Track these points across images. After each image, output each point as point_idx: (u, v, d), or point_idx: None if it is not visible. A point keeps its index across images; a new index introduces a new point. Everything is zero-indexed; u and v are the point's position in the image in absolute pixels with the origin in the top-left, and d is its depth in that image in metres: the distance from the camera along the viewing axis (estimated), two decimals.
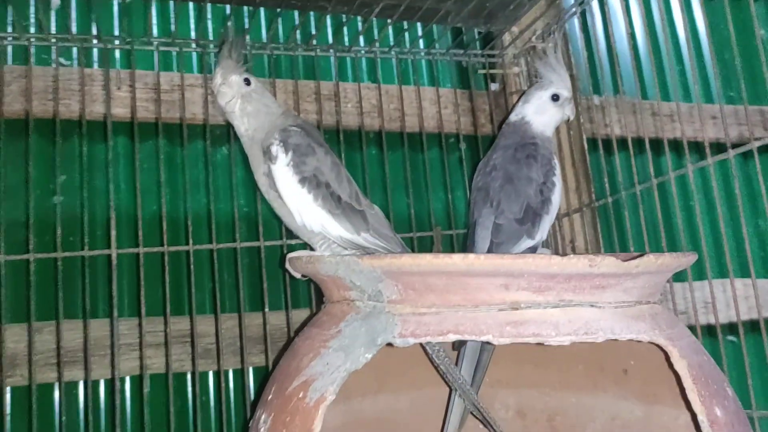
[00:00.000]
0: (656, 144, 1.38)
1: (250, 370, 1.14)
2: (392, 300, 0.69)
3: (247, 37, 1.16)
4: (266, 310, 1.07)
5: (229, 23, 1.06)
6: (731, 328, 1.42)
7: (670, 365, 0.69)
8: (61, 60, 1.15)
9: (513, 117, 1.08)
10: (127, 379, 1.10)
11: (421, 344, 0.86)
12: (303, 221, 0.92)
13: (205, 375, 1.14)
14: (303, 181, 0.91)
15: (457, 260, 0.64)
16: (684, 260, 0.73)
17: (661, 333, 0.69)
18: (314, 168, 0.92)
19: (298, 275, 0.92)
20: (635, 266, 0.66)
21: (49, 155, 1.13)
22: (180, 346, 1.12)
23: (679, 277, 1.07)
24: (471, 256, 0.64)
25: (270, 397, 0.74)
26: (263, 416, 0.73)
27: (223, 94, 0.93)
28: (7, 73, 1.10)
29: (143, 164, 1.16)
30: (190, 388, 1.13)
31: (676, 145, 1.48)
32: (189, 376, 1.13)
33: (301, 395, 0.68)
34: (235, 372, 1.16)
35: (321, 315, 0.79)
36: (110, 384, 1.09)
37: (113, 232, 0.99)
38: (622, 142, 1.26)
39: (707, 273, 0.97)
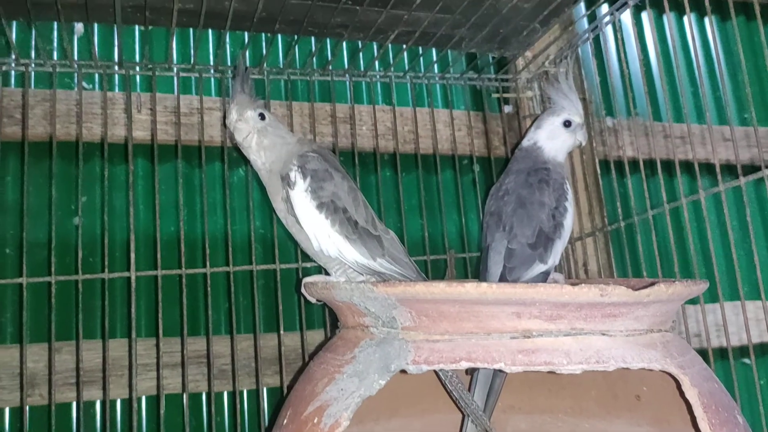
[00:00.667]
0: (668, 166, 1.39)
1: (265, 390, 1.16)
2: (406, 327, 0.70)
3: (264, 64, 1.19)
4: (281, 331, 1.09)
5: (240, 57, 1.06)
6: (743, 351, 1.41)
7: (682, 393, 0.70)
8: (83, 84, 1.18)
9: (525, 142, 1.09)
10: (143, 399, 1.12)
11: (435, 371, 0.87)
12: (320, 246, 0.92)
13: (220, 395, 1.16)
14: (321, 206, 0.92)
15: (469, 289, 0.65)
16: (695, 288, 0.73)
17: (672, 361, 0.70)
18: (331, 193, 0.93)
19: (313, 300, 0.93)
20: (646, 295, 0.67)
21: (71, 177, 1.15)
22: (195, 367, 1.13)
23: (691, 299, 1.07)
24: (483, 284, 0.66)
25: (285, 421, 0.75)
26: None
27: (240, 130, 0.94)
28: (31, 97, 1.12)
29: (162, 186, 1.18)
30: (205, 409, 1.14)
31: (688, 167, 1.49)
32: (204, 397, 1.14)
33: (315, 420, 0.69)
34: (249, 392, 1.17)
35: (336, 340, 0.80)
36: (126, 404, 1.10)
37: (132, 255, 1.01)
38: (634, 164, 1.27)
39: (719, 296, 0.98)
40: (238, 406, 1.13)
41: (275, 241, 1.11)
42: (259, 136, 0.94)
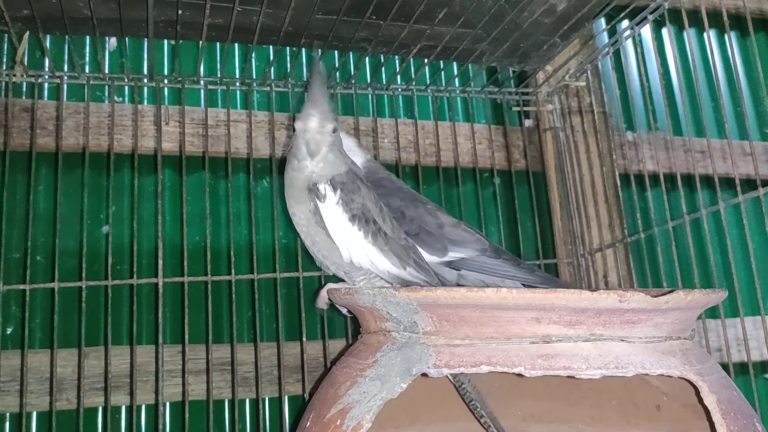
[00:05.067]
0: (688, 180, 1.39)
1: (286, 398, 1.17)
2: (427, 331, 0.72)
3: (290, 78, 1.21)
4: (304, 338, 1.10)
5: (319, 59, 1.04)
6: (764, 366, 1.41)
7: (701, 401, 0.71)
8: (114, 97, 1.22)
9: None
10: (167, 405, 1.14)
11: (449, 379, 0.88)
12: (351, 257, 0.93)
13: (242, 402, 1.17)
14: (353, 219, 0.92)
15: (489, 294, 0.67)
16: (714, 297, 0.74)
17: (691, 368, 0.71)
18: (361, 205, 0.93)
19: (325, 306, 0.95)
20: (665, 302, 0.68)
21: (101, 187, 1.18)
22: (219, 374, 1.15)
23: (712, 313, 1.07)
24: (504, 290, 0.67)
25: (308, 424, 0.77)
26: None
27: (318, 142, 0.90)
28: (63, 109, 1.16)
29: (189, 196, 1.21)
30: (227, 415, 1.16)
31: (708, 181, 1.49)
32: (227, 404, 1.16)
33: (338, 423, 0.71)
34: (271, 400, 1.19)
35: (358, 345, 0.82)
36: (151, 409, 1.12)
37: (160, 262, 1.04)
38: (655, 178, 1.28)
39: (740, 310, 0.98)
40: (261, 414, 1.14)
41: (298, 250, 1.13)
42: (328, 149, 0.91)
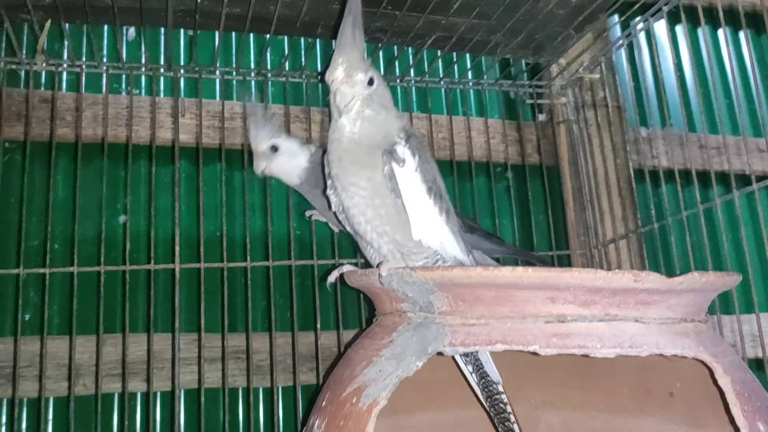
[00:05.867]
0: (703, 176, 1.39)
1: (300, 387, 1.18)
2: (443, 311, 0.73)
3: (304, 69, 1.23)
4: (318, 325, 1.11)
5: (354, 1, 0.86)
6: None
7: (716, 385, 0.71)
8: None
9: None
10: (182, 392, 1.15)
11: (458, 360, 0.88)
12: (421, 236, 0.82)
13: (256, 390, 1.18)
14: (430, 191, 0.83)
15: (505, 272, 0.68)
16: (729, 279, 0.74)
17: (705, 350, 0.71)
18: (434, 177, 0.84)
19: (333, 280, 0.90)
20: (679, 282, 0.69)
21: (119, 178, 1.20)
22: (234, 362, 1.16)
23: (726, 309, 1.07)
24: (519, 268, 0.68)
25: (323, 403, 0.78)
26: (317, 422, 0.77)
27: (344, 94, 0.80)
28: (83, 100, 1.18)
29: (205, 187, 1.22)
30: (242, 403, 1.17)
31: (723, 178, 1.49)
32: (241, 392, 1.17)
33: (354, 401, 0.72)
34: (285, 389, 1.20)
35: (373, 327, 0.82)
36: (167, 396, 1.13)
37: (177, 248, 1.05)
38: (669, 173, 1.28)
39: (755, 306, 0.98)
40: (275, 402, 1.15)
41: (313, 238, 1.14)
42: (363, 104, 0.81)
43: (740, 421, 0.67)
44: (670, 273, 1.24)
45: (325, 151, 0.87)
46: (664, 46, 1.57)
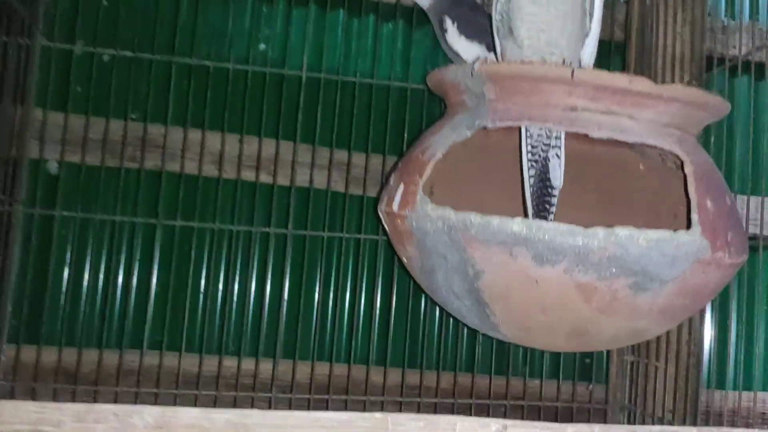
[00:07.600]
0: None
1: None
2: (491, 99, 1.00)
3: None
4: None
5: None
6: None
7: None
8: None
9: None
10: (293, 190, 1.44)
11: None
12: (585, 55, 1.01)
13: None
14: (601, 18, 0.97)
15: (536, 66, 0.95)
16: (711, 99, 0.98)
17: (680, 148, 0.96)
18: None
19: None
20: (666, 89, 0.94)
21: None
22: (336, 172, 1.44)
23: None
24: (547, 65, 0.95)
25: (399, 165, 1.09)
26: (393, 177, 1.08)
27: None
28: None
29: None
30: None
31: None
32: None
33: (419, 155, 1.02)
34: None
35: (441, 119, 1.12)
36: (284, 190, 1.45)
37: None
38: (746, 64, 1.34)
39: None
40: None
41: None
42: None
43: (693, 196, 0.92)
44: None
45: None
46: None
